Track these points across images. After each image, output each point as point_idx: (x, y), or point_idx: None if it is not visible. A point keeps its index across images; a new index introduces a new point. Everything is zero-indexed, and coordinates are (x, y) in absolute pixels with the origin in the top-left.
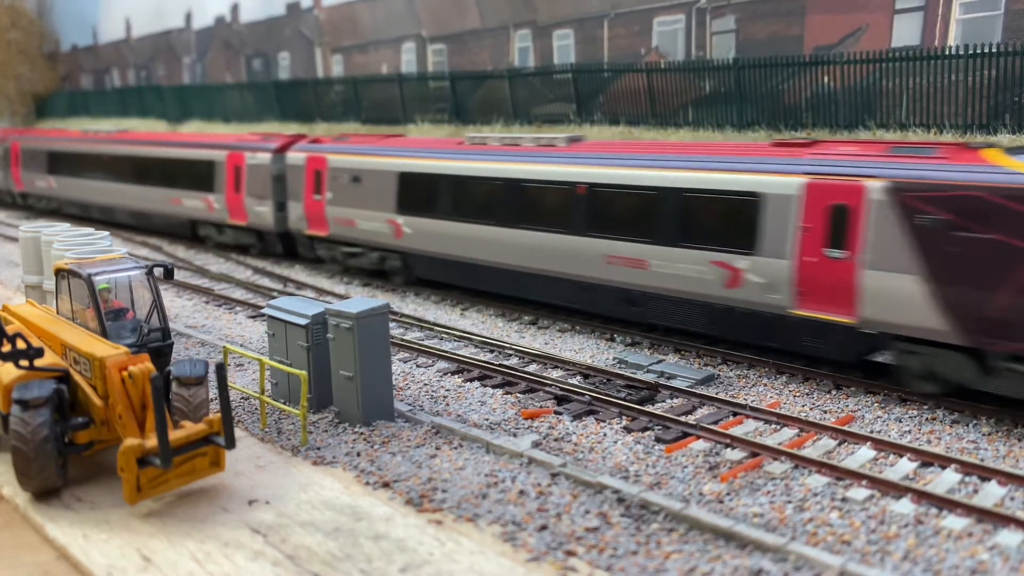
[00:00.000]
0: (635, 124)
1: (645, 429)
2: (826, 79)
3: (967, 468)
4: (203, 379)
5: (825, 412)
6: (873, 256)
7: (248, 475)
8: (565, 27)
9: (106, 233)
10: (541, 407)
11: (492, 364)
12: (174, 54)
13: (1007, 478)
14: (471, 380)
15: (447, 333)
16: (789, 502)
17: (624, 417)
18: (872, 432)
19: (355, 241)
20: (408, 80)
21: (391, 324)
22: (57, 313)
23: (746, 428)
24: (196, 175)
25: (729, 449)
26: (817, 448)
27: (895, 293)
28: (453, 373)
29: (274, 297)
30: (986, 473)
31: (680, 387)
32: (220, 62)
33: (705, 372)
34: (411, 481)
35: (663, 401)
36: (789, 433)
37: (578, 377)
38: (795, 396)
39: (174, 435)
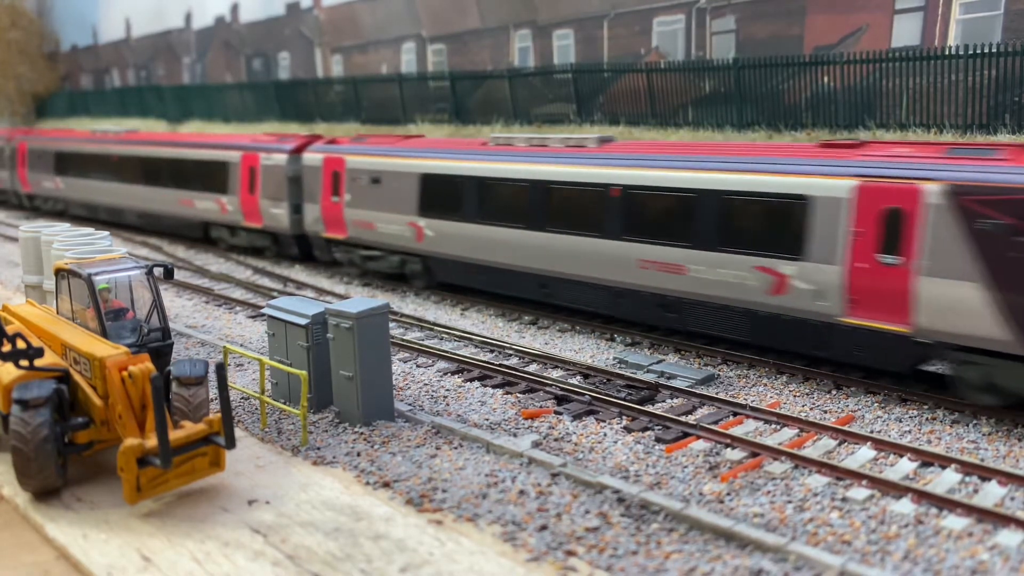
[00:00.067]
0: (635, 124)
1: (645, 429)
2: (826, 79)
3: (967, 468)
4: (203, 379)
5: (825, 412)
6: (930, 262)
7: (248, 475)
8: (565, 27)
9: (106, 233)
10: (541, 407)
11: (492, 364)
12: (174, 54)
13: (1007, 478)
14: (471, 380)
15: (447, 333)
16: (789, 502)
17: (624, 417)
18: (872, 432)
19: (374, 244)
20: (408, 80)
21: (391, 324)
22: (57, 313)
23: (746, 428)
24: (209, 176)
25: (729, 449)
26: (817, 448)
27: (953, 301)
28: (453, 373)
29: (274, 297)
30: (986, 473)
31: (680, 387)
32: (220, 62)
33: (705, 372)
34: (411, 481)
35: (663, 401)
36: (789, 433)
37: (578, 377)
38: (795, 396)
39: (174, 435)
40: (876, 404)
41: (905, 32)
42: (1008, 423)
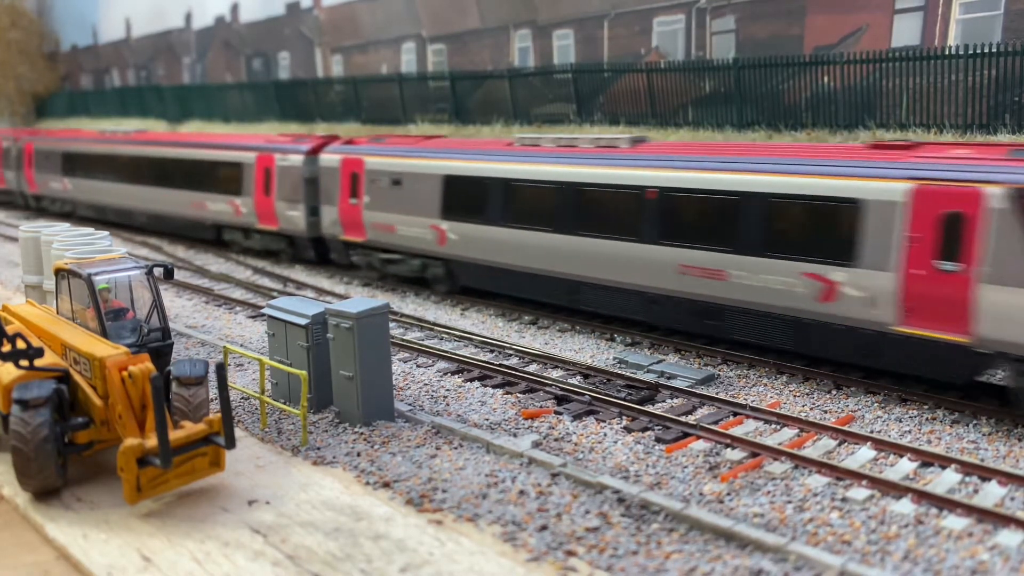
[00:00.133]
0: (635, 124)
1: (645, 429)
2: (826, 79)
3: (967, 468)
4: (203, 379)
5: (825, 412)
6: (992, 269)
7: (248, 475)
8: (565, 27)
9: (106, 233)
10: (541, 407)
11: (492, 364)
12: (174, 54)
13: (1007, 478)
14: (471, 380)
15: (447, 333)
16: (789, 502)
17: (624, 417)
18: (872, 432)
19: (394, 247)
20: (408, 80)
21: (391, 324)
22: (57, 313)
23: (746, 428)
24: (222, 177)
25: (729, 449)
26: (817, 448)
27: (1018, 309)
28: (453, 373)
29: (274, 297)
30: (986, 473)
31: (680, 387)
32: (220, 62)
33: (705, 372)
34: (411, 481)
35: (663, 401)
36: (789, 433)
37: (578, 377)
38: (795, 396)
39: (174, 435)
40: (876, 404)
41: (905, 32)
42: (1008, 423)
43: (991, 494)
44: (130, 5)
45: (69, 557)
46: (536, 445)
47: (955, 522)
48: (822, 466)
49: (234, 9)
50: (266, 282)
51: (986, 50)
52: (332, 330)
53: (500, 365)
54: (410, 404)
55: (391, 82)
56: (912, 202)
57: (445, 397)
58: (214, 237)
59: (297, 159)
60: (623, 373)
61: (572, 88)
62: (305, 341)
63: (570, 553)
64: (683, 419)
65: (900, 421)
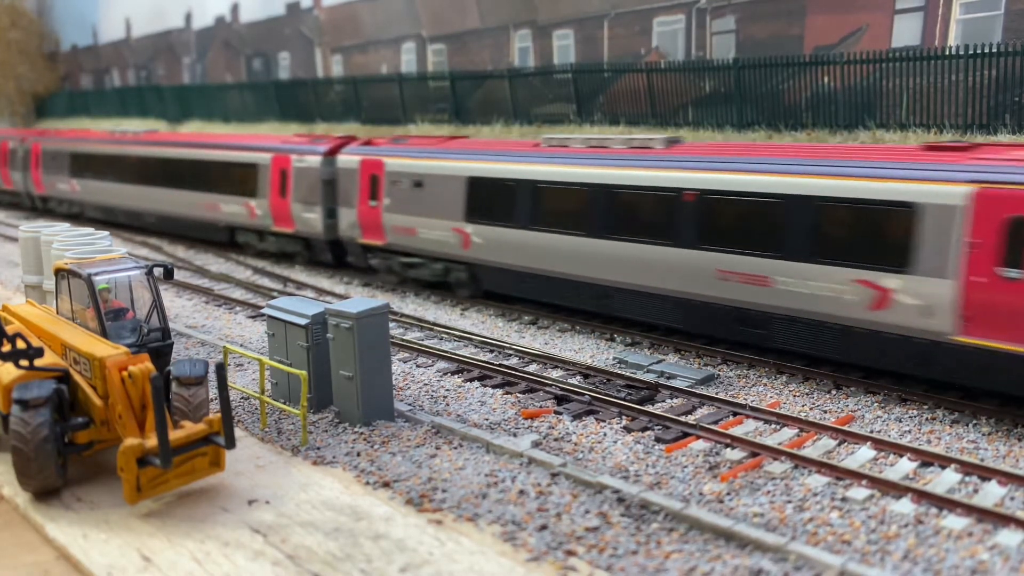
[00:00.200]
0: (635, 124)
1: (645, 429)
2: (826, 79)
3: (967, 468)
4: (203, 379)
5: (825, 412)
6: None
7: (248, 475)
8: (565, 27)
9: (106, 233)
10: (541, 407)
11: (492, 364)
12: (174, 54)
13: (1007, 478)
14: (471, 380)
15: (447, 333)
16: (789, 502)
17: (624, 417)
18: (872, 432)
19: (415, 251)
20: (408, 80)
21: (391, 324)
22: (57, 313)
23: (746, 428)
24: (236, 179)
25: (729, 449)
26: (817, 448)
27: None
28: (453, 373)
29: (274, 297)
30: (986, 473)
31: (680, 387)
32: (220, 62)
33: (705, 372)
34: (411, 481)
35: (663, 401)
36: (789, 433)
37: (578, 377)
38: (795, 396)
39: (174, 435)
40: (876, 404)
41: (905, 32)
42: (1008, 423)
43: (991, 494)
44: (130, 5)
45: (69, 557)
46: (536, 445)
47: (955, 522)
48: (822, 466)
49: (234, 9)
50: (266, 282)
51: (986, 50)
52: (332, 330)
53: (500, 365)
54: (410, 404)
55: (391, 82)
56: (973, 206)
57: (445, 397)
58: (227, 239)
59: (314, 160)
60: (623, 373)
61: (572, 88)
62: (305, 341)
63: (570, 553)
64: (683, 419)
65: (900, 421)
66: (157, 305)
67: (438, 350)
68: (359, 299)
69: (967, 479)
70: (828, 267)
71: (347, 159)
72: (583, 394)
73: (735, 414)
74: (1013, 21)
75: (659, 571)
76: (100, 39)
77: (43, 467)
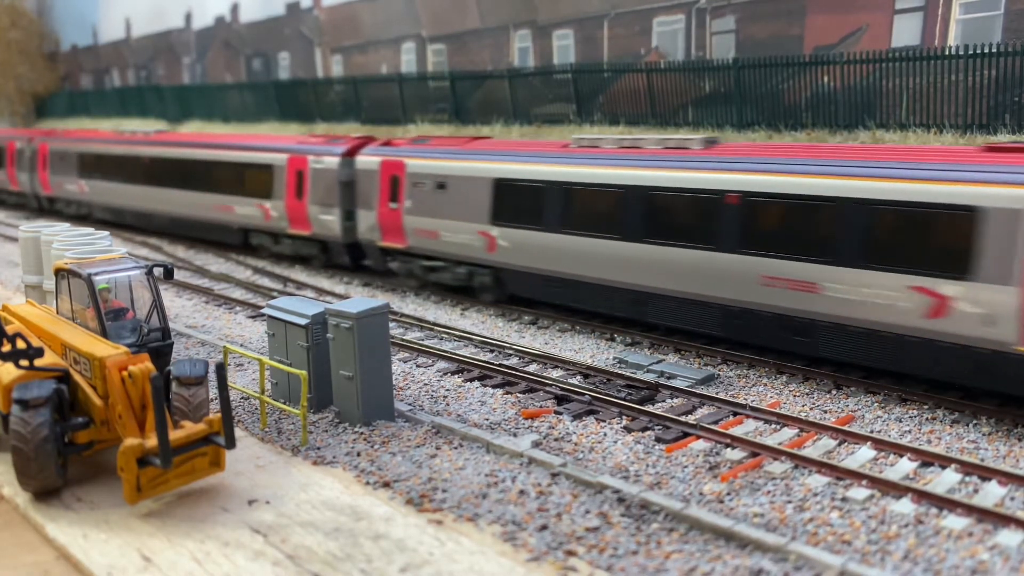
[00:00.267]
0: (635, 124)
1: (645, 429)
2: (826, 79)
3: (967, 468)
4: (203, 379)
5: (825, 412)
6: None
7: (248, 475)
8: (565, 27)
9: (106, 233)
10: (541, 407)
11: (492, 364)
12: (174, 54)
13: (1007, 478)
14: (471, 380)
15: (447, 333)
16: (789, 502)
17: (624, 417)
18: (872, 432)
19: (437, 254)
20: (408, 80)
21: (391, 324)
22: (57, 313)
23: (746, 428)
24: (251, 180)
25: (729, 449)
26: (817, 448)
27: None
28: (453, 373)
29: (274, 297)
30: (986, 473)
31: (680, 387)
32: (220, 62)
33: (705, 372)
34: (411, 481)
35: (663, 401)
36: (789, 433)
37: (578, 377)
38: (795, 396)
39: (174, 435)
40: (876, 404)
41: (905, 32)
42: (1008, 423)
43: (991, 494)
44: (130, 5)
45: (69, 557)
46: (536, 445)
47: (955, 522)
48: (822, 466)
49: (234, 9)
50: (266, 282)
51: (986, 50)
52: (332, 330)
53: (500, 365)
54: (410, 404)
55: (391, 82)
56: None
57: (445, 397)
58: (240, 241)
59: (332, 161)
60: (623, 373)
61: (572, 88)
62: (305, 341)
63: (570, 553)
64: (683, 419)
65: (900, 421)
66: (157, 305)
67: (438, 350)
68: (359, 299)
69: (967, 479)
70: (881, 273)
71: (366, 160)
72: (583, 394)
73: (735, 414)
74: (1013, 21)
75: (659, 571)
76: (100, 39)
77: (43, 467)
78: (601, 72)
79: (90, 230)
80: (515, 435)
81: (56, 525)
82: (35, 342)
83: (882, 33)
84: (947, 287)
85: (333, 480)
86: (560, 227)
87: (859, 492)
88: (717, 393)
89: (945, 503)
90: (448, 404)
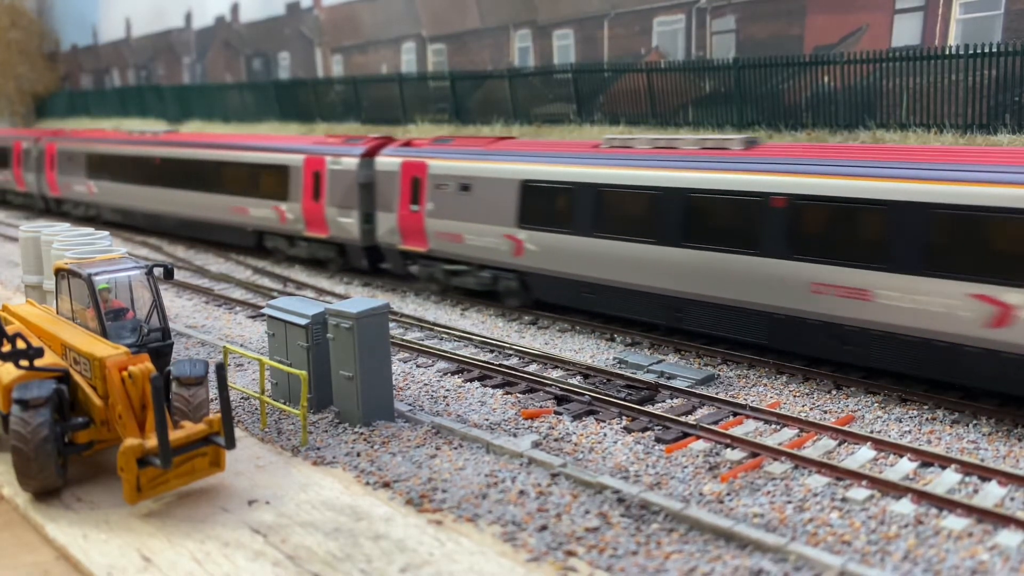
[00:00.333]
0: (635, 124)
1: (645, 429)
2: (826, 79)
3: (967, 468)
4: (203, 379)
5: (825, 412)
6: None
7: (248, 475)
8: (565, 27)
9: (106, 233)
10: (541, 407)
11: (492, 364)
12: (174, 54)
13: (1007, 478)
14: (471, 380)
15: (447, 333)
16: (789, 502)
17: (624, 417)
18: (872, 432)
19: (461, 258)
20: (408, 80)
21: (391, 324)
22: (57, 313)
23: (746, 428)
24: (266, 181)
25: (729, 449)
26: (817, 448)
27: None
28: (453, 373)
29: (274, 297)
30: (986, 473)
31: (680, 387)
32: (220, 62)
33: (705, 372)
34: (411, 481)
35: (663, 401)
36: (789, 433)
37: (578, 377)
38: (795, 396)
39: (174, 435)
40: (876, 404)
41: (905, 32)
42: (1008, 423)
43: (991, 494)
44: (130, 5)
45: (69, 557)
46: (536, 445)
47: (955, 522)
48: (822, 466)
49: (234, 9)
50: (266, 282)
51: (986, 50)
52: (332, 330)
53: (500, 365)
54: (410, 404)
55: (391, 82)
56: None
57: (445, 397)
58: (255, 244)
59: (351, 162)
60: (623, 373)
61: (572, 88)
62: (305, 341)
63: (570, 553)
64: (683, 419)
65: (900, 421)
66: (157, 305)
67: (438, 350)
68: (359, 299)
69: (967, 479)
70: (940, 280)
71: (386, 161)
72: (583, 394)
73: (735, 414)
74: (1013, 21)
75: (659, 571)
76: (100, 39)
77: (43, 467)
78: (601, 72)
79: (90, 230)
80: (515, 435)
81: (56, 525)
82: (35, 342)
83: (882, 33)
84: (1012, 295)
85: (333, 480)
86: (592, 230)
87: (859, 492)
88: (717, 393)
89: (945, 503)
90: (448, 404)
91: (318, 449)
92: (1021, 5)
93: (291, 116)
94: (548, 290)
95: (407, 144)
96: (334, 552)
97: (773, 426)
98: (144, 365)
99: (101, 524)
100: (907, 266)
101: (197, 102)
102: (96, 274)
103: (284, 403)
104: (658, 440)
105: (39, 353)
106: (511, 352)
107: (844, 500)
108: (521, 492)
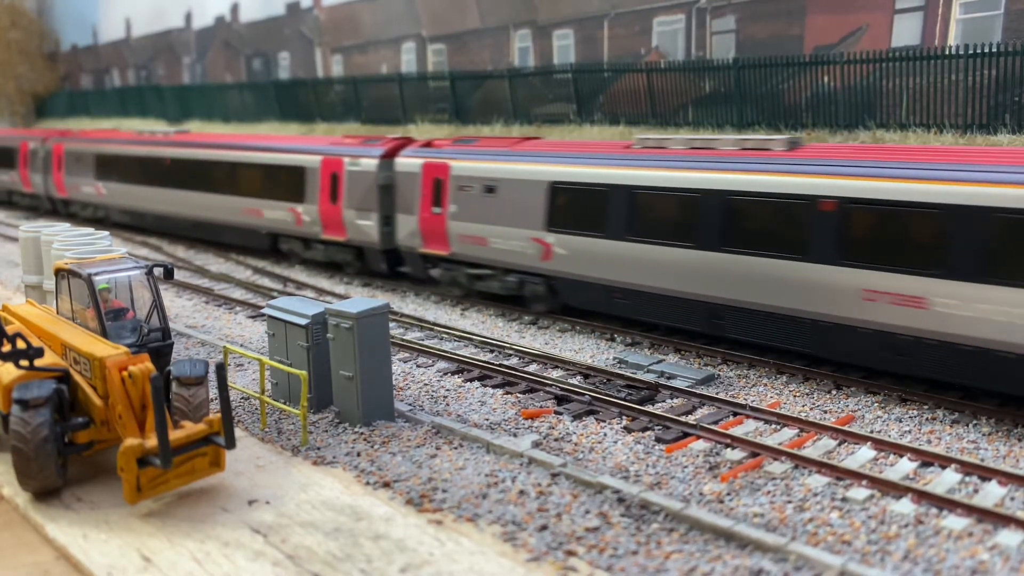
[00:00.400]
0: (635, 124)
1: (645, 429)
2: (826, 79)
3: (967, 468)
4: (203, 379)
5: (825, 412)
6: None
7: (248, 475)
8: (565, 27)
9: (106, 233)
10: (541, 407)
11: (492, 364)
12: (174, 54)
13: (1007, 478)
14: (471, 380)
15: (447, 333)
16: (789, 502)
17: (624, 417)
18: (872, 432)
19: (485, 262)
20: (408, 80)
21: (391, 324)
22: (57, 313)
23: (746, 428)
24: (281, 183)
25: (729, 449)
26: (817, 448)
27: None
28: (453, 373)
29: (274, 297)
30: (986, 473)
31: (680, 387)
32: (220, 62)
33: (705, 372)
34: (411, 481)
35: (663, 401)
36: (789, 433)
37: (578, 377)
38: (795, 396)
39: (174, 435)
40: (876, 404)
41: (905, 32)
42: (1008, 423)
43: (991, 494)
44: (130, 5)
45: (69, 557)
46: (536, 445)
47: (955, 522)
48: (822, 466)
49: (234, 9)
50: (266, 282)
51: (986, 50)
52: (332, 330)
53: (500, 365)
54: (410, 404)
55: (391, 82)
56: None
57: (445, 397)
58: (269, 247)
59: (370, 164)
60: (623, 373)
61: (572, 88)
62: (305, 341)
63: (570, 553)
64: (683, 419)
65: (900, 421)
66: (157, 305)
67: (438, 350)
68: (359, 299)
69: (967, 479)
70: (1000, 288)
71: (407, 162)
72: (583, 394)
73: (735, 414)
74: (1013, 21)
75: (659, 571)
76: (100, 39)
77: (43, 467)
78: (601, 72)
79: (90, 230)
80: (515, 435)
81: (56, 525)
82: (35, 342)
83: (882, 33)
84: None
85: (333, 480)
86: (625, 234)
87: (859, 492)
88: (717, 393)
89: (945, 503)
90: (448, 404)
91: (318, 449)
92: (1021, 5)
93: (291, 116)
94: (578, 295)
95: (428, 145)
96: (334, 552)
97: (773, 426)
98: (144, 365)
99: (101, 524)
100: (965, 273)
101: (197, 102)
102: (96, 274)
103: (284, 403)
104: (658, 440)
105: (39, 353)
106: (511, 352)
107: (844, 500)
108: (521, 492)
